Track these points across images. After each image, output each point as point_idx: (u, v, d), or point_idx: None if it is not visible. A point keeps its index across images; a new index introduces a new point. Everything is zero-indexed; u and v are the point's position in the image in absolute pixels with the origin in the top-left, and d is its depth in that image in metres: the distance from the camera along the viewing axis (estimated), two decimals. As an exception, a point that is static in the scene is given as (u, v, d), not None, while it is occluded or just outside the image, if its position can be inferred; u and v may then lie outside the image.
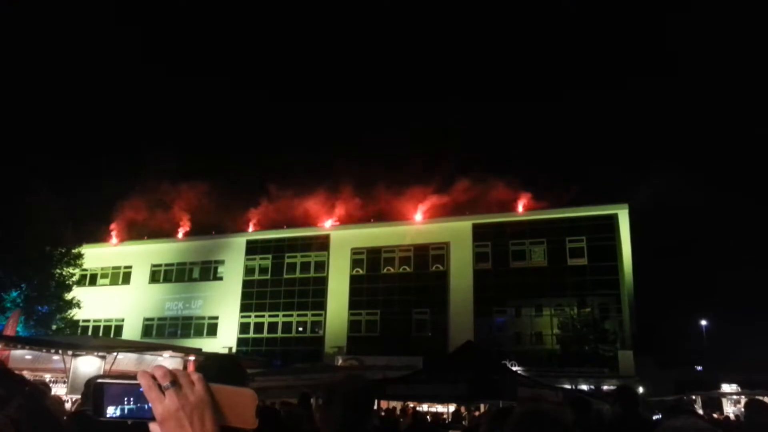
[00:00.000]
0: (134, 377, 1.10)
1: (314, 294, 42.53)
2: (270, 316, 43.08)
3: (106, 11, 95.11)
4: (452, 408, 19.84)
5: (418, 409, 18.86)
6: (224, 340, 42.38)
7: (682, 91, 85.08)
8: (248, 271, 45.00)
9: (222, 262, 46.23)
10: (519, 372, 25.66)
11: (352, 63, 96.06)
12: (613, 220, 37.39)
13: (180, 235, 49.29)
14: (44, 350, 15.80)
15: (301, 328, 42.35)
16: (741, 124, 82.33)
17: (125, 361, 16.00)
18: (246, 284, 44.59)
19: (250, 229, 46.90)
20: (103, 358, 15.04)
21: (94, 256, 46.65)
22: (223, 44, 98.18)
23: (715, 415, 20.76)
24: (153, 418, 1.09)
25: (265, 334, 42.76)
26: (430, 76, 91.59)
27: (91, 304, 45.00)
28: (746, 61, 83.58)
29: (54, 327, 38.34)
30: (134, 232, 50.02)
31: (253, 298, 43.96)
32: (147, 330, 45.94)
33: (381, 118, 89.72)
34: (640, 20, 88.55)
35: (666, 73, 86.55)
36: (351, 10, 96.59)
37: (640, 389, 28.32)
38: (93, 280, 48.85)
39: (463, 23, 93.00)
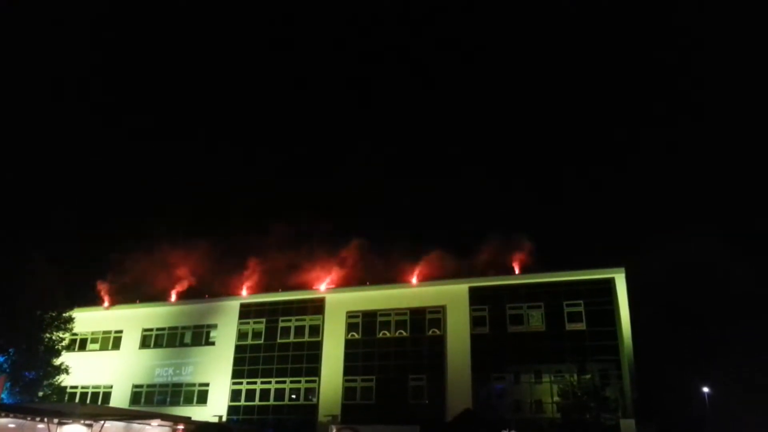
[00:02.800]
0: None
1: (308, 359, 41.67)
2: (262, 382, 42.03)
3: (93, 82, 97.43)
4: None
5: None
6: (215, 408, 41.18)
7: (680, 154, 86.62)
8: (241, 335, 44.20)
9: (214, 326, 45.47)
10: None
11: (352, 127, 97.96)
12: (610, 284, 37.20)
13: (172, 298, 48.65)
14: (29, 418, 15.31)
15: (294, 395, 41.24)
16: (745, 186, 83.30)
17: (113, 429, 15.49)
18: (238, 349, 43.70)
19: (244, 292, 46.36)
20: (90, 426, 14.58)
21: (85, 320, 45.95)
22: (208, 110, 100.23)
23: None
24: None
25: (256, 402, 41.57)
26: (422, 146, 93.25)
27: (80, 370, 44.01)
28: (744, 125, 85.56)
29: (41, 394, 37.31)
30: (126, 296, 49.37)
31: (245, 363, 43.00)
32: (136, 397, 44.68)
33: (372, 178, 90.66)
34: (634, 81, 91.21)
35: (664, 127, 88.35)
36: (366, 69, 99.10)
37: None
38: (83, 345, 47.92)
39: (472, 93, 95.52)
